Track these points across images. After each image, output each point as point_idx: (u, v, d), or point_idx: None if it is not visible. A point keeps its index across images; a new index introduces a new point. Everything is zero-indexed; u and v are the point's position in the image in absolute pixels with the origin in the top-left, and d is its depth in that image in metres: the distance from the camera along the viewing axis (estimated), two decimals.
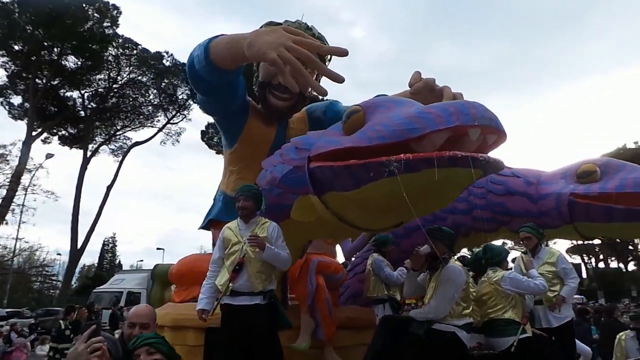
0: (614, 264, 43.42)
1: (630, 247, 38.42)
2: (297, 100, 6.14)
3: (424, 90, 4.97)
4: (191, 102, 29.43)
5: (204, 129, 32.30)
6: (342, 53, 3.85)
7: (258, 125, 6.42)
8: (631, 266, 42.30)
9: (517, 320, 3.31)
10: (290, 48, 3.86)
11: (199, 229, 7.36)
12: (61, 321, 8.28)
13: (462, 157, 2.05)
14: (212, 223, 6.81)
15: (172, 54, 27.75)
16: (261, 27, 5.95)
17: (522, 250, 3.84)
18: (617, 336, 5.00)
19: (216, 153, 33.30)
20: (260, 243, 3.04)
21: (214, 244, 6.66)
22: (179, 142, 32.25)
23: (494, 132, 2.14)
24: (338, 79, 3.70)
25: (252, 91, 6.74)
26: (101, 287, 18.48)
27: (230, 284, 3.11)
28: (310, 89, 6.37)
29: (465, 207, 4.22)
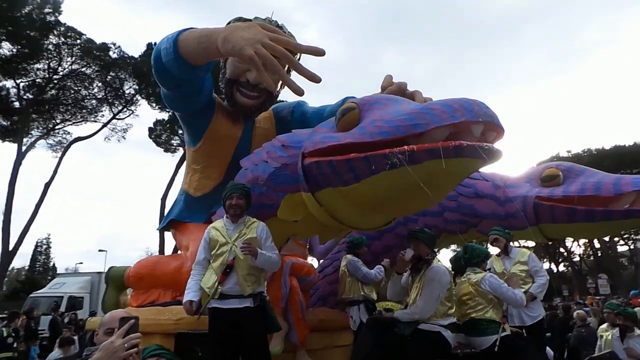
0: (545, 265, 46.40)
1: (562, 250, 41.20)
2: (266, 99, 6.05)
3: (397, 93, 5.07)
4: (139, 98, 28.27)
5: (151, 125, 31.19)
6: (319, 53, 3.82)
7: (224, 123, 6.25)
8: (561, 267, 45.37)
9: (497, 320, 3.43)
10: (267, 45, 3.79)
11: (158, 229, 7.09)
12: (3, 328, 7.66)
13: (468, 146, 2.10)
14: (173, 223, 6.58)
15: (119, 46, 26.43)
16: (229, 23, 5.81)
17: (496, 253, 4.01)
18: (601, 333, 5.37)
19: (164, 151, 32.18)
20: (252, 250, 2.95)
21: (179, 246, 6.43)
22: (125, 138, 30.86)
23: (495, 129, 2.21)
24: (315, 78, 3.66)
25: (218, 88, 6.57)
26: (39, 291, 17.24)
27: (219, 287, 3.00)
28: (281, 87, 6.34)
29: (436, 209, 4.33)
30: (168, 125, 30.88)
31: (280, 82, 6.17)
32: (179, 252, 6.33)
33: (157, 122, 30.59)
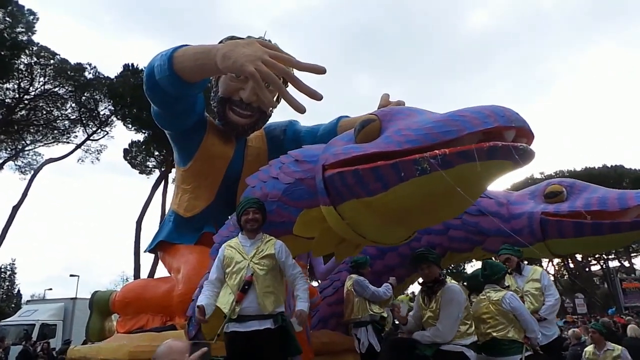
0: None
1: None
2: (259, 117, 5.98)
3: None
4: (114, 119, 27.69)
5: (127, 147, 30.54)
6: (320, 71, 3.79)
7: (215, 142, 6.14)
8: None
9: (519, 339, 3.37)
10: (268, 62, 3.74)
11: (145, 251, 6.80)
12: None
13: (503, 147, 2.06)
14: (161, 245, 6.34)
15: (95, 67, 25.99)
16: (221, 41, 5.77)
17: (508, 271, 3.98)
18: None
19: (139, 173, 31.46)
20: (303, 319, 2.84)
21: (168, 268, 6.18)
22: (99, 160, 30.03)
23: (526, 134, 2.18)
24: (316, 96, 3.62)
25: (209, 107, 6.47)
26: (7, 319, 16.27)
27: (237, 306, 2.84)
28: (271, 106, 6.29)
29: (440, 227, 4.30)
30: (144, 147, 30.30)
31: (275, 100, 6.15)
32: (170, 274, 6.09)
33: (133, 144, 30.00)
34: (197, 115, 5.81)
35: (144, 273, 26.10)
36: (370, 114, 2.70)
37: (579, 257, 34.96)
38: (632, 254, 37.21)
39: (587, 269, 39.69)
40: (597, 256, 36.19)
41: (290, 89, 3.72)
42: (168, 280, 6.08)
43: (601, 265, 38.99)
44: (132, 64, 26.29)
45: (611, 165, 35.66)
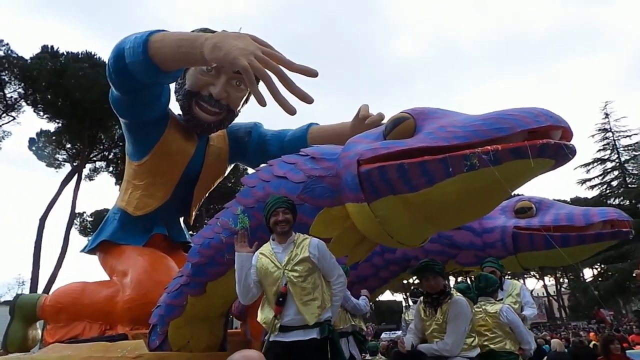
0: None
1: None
2: (226, 116, 5.72)
3: (378, 122, 5.12)
4: (23, 103, 24.95)
5: (34, 136, 27.60)
6: (312, 74, 3.72)
7: (177, 138, 5.76)
8: None
9: (515, 351, 3.49)
10: (261, 59, 3.59)
11: (83, 251, 6.15)
12: None
13: (555, 145, 2.12)
14: (103, 245, 5.77)
15: (7, 44, 23.15)
16: (193, 31, 5.47)
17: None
18: None
19: (46, 165, 28.57)
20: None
21: (110, 271, 5.61)
22: (0, 148, 26.84)
23: (569, 136, 2.26)
24: (307, 99, 3.55)
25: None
26: None
27: (277, 320, 2.61)
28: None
29: None
30: (54, 138, 27.63)
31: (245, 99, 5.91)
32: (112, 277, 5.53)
33: (42, 133, 27.16)
34: (161, 107, 5.43)
35: (44, 277, 23.61)
36: (403, 112, 2.66)
37: None
38: None
39: None
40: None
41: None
42: (109, 285, 5.52)
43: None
44: (52, 47, 23.92)
45: None
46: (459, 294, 3.44)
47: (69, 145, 27.93)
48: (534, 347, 3.70)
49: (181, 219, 6.50)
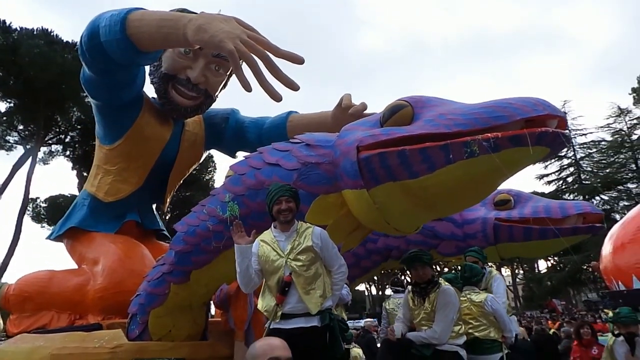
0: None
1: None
2: (204, 101, 5.55)
3: (361, 112, 5.10)
4: None
5: None
6: (299, 61, 3.67)
7: (151, 122, 5.54)
8: None
9: (498, 339, 3.61)
10: (247, 43, 3.52)
11: (49, 238, 5.85)
12: None
13: (553, 133, 2.16)
14: (71, 232, 5.51)
15: None
16: (172, 11, 5.26)
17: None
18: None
19: None
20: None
21: (79, 259, 5.36)
22: None
23: (564, 125, 2.31)
24: (293, 86, 3.51)
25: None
26: None
27: (279, 308, 2.54)
28: (222, 88, 5.86)
29: None
30: (5, 118, 26.10)
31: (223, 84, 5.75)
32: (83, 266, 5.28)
33: None
34: (136, 89, 5.20)
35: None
36: (400, 100, 2.65)
37: None
38: None
39: None
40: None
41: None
42: (79, 273, 5.28)
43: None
44: (4, 21, 22.46)
45: None
46: (447, 283, 3.50)
47: (21, 127, 26.49)
48: (513, 335, 3.83)
49: (154, 206, 6.29)
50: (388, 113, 2.64)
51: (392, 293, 5.83)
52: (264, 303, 2.68)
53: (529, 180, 39.27)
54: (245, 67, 3.45)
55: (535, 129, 2.17)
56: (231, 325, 3.87)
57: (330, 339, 2.58)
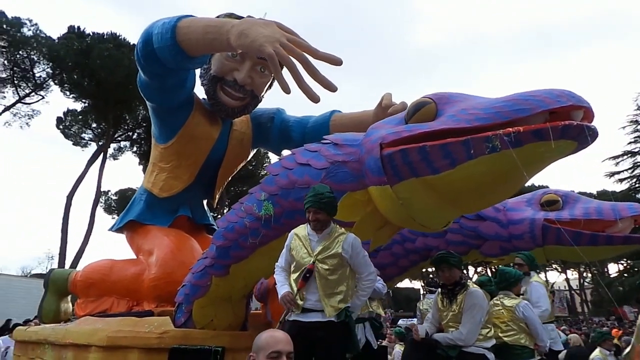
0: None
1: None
2: (250, 101, 5.74)
3: (400, 111, 5.07)
4: (51, 83, 25.48)
5: (61, 115, 28.25)
6: (337, 62, 3.69)
7: (201, 122, 5.81)
8: None
9: (530, 346, 3.53)
10: (286, 46, 3.59)
11: (110, 230, 6.31)
12: None
13: (577, 126, 2.07)
14: (130, 225, 5.92)
15: (36, 24, 23.62)
16: (218, 16, 5.49)
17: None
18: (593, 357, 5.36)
19: (73, 144, 29.28)
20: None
21: (136, 250, 5.76)
22: (29, 125, 27.49)
23: (590, 117, 2.21)
24: (331, 87, 3.53)
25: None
26: None
27: (300, 295, 2.67)
28: (267, 90, 6.04)
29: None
30: (80, 117, 28.24)
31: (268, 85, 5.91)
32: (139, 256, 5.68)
33: (69, 112, 27.79)
34: (186, 91, 5.49)
35: (71, 252, 24.36)
36: (424, 97, 2.65)
37: None
38: None
39: None
40: None
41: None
42: (136, 263, 5.67)
43: None
44: (79, 27, 24.30)
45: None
46: (475, 285, 3.44)
47: (94, 125, 28.56)
48: (548, 345, 3.68)
49: (204, 202, 6.59)
50: (412, 110, 2.65)
51: (428, 294, 5.77)
52: None
53: (597, 178, 36.60)
54: (285, 70, 3.54)
55: (558, 123, 2.09)
56: (269, 317, 4.01)
57: (345, 335, 2.64)
